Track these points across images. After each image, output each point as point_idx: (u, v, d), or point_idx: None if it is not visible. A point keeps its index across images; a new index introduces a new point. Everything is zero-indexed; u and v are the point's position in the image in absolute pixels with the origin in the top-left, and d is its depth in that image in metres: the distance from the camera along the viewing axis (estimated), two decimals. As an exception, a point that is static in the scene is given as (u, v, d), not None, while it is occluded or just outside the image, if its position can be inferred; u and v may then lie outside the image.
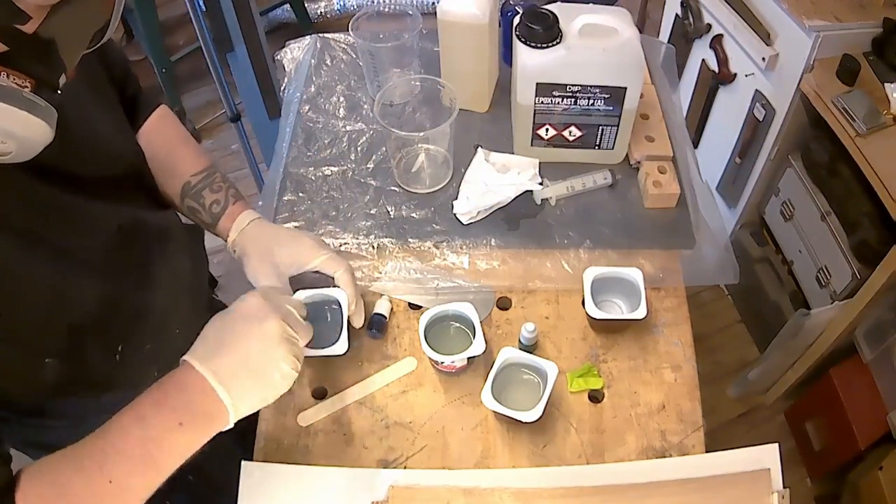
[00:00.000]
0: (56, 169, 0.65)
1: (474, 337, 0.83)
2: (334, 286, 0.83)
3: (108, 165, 0.74)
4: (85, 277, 0.69)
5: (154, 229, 0.82)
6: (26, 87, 0.52)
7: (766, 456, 0.79)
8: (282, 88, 1.23)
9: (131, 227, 0.76)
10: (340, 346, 0.80)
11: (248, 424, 0.78)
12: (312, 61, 1.24)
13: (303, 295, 0.82)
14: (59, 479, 0.57)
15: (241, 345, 0.64)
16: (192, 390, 0.61)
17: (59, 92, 0.55)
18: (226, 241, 0.86)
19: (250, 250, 0.83)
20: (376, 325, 0.89)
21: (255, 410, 0.66)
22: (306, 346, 0.71)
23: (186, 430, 0.60)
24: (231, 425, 0.64)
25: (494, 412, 0.80)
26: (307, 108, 1.16)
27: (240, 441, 0.82)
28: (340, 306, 0.82)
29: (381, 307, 0.91)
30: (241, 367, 0.63)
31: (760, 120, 1.65)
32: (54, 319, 0.66)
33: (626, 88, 0.94)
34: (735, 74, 1.73)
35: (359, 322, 0.84)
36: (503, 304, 0.94)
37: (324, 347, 0.80)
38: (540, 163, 1.04)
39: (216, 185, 0.88)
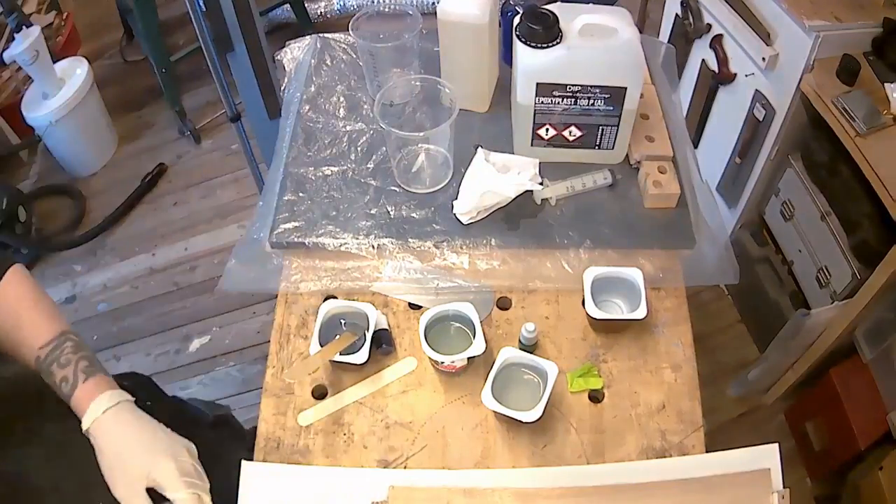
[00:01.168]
0: None
1: (474, 337, 0.83)
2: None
3: None
4: None
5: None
6: None
7: (766, 456, 0.79)
8: (282, 88, 1.23)
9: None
10: (361, 356, 0.85)
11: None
12: (312, 61, 1.24)
13: (332, 304, 0.89)
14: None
15: None
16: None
17: None
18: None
19: (102, 447, 0.72)
20: (384, 340, 0.90)
21: None
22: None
23: None
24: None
25: (494, 412, 0.80)
26: (307, 108, 1.16)
27: (234, 443, 0.81)
28: (368, 319, 0.87)
29: (381, 322, 0.91)
30: None
31: (760, 120, 1.65)
32: None
33: (626, 88, 0.94)
34: (735, 74, 1.73)
35: None
36: (503, 304, 0.94)
37: (346, 355, 0.85)
38: (540, 163, 1.04)
39: (63, 358, 0.76)
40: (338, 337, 0.86)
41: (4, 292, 0.80)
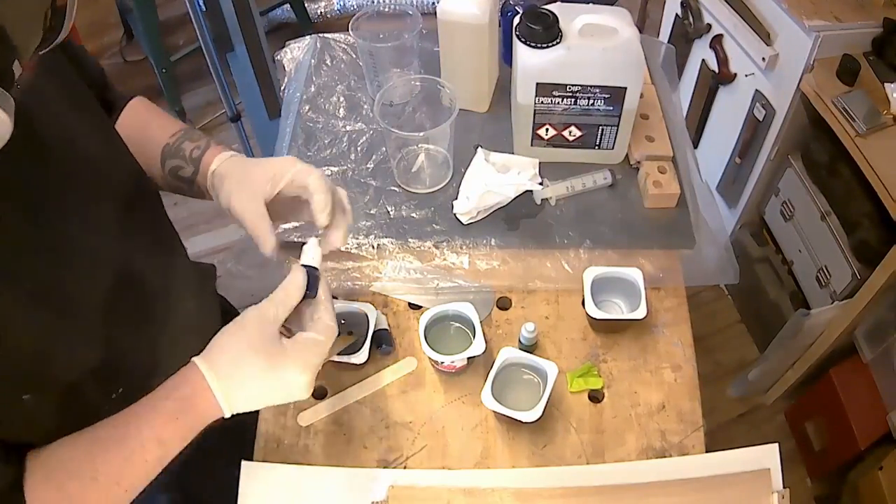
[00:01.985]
0: (41, 196, 0.60)
1: (474, 337, 0.83)
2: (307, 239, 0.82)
3: (99, 186, 0.69)
4: (81, 328, 0.64)
5: (155, 268, 0.77)
6: None
7: (766, 456, 0.79)
8: (282, 88, 1.23)
9: (130, 266, 0.71)
10: (361, 356, 0.85)
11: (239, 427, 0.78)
12: (312, 61, 1.24)
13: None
14: (69, 487, 0.58)
15: (259, 387, 0.63)
16: (203, 410, 0.62)
17: (17, 86, 0.50)
18: (206, 189, 0.80)
19: (227, 172, 0.76)
20: (384, 340, 0.89)
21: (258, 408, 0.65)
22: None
23: (183, 425, 0.61)
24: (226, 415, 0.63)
25: (494, 412, 0.80)
26: (307, 108, 1.16)
27: (234, 443, 0.81)
28: (368, 319, 0.87)
29: (380, 322, 0.91)
30: (255, 399, 0.63)
31: (760, 120, 1.65)
32: (46, 371, 0.61)
33: (626, 88, 0.94)
34: (735, 74, 1.73)
35: (338, 239, 0.78)
36: (503, 304, 0.94)
37: (346, 355, 0.85)
38: (540, 163, 1.04)
39: (195, 136, 0.83)
40: (337, 337, 0.86)
41: (132, 110, 0.85)
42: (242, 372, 0.61)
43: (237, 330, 0.63)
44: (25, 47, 0.50)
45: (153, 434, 0.60)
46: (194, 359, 0.63)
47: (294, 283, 0.66)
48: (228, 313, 1.04)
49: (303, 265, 0.68)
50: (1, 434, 0.59)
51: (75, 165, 0.66)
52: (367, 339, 0.86)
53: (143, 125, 0.84)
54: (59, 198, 0.63)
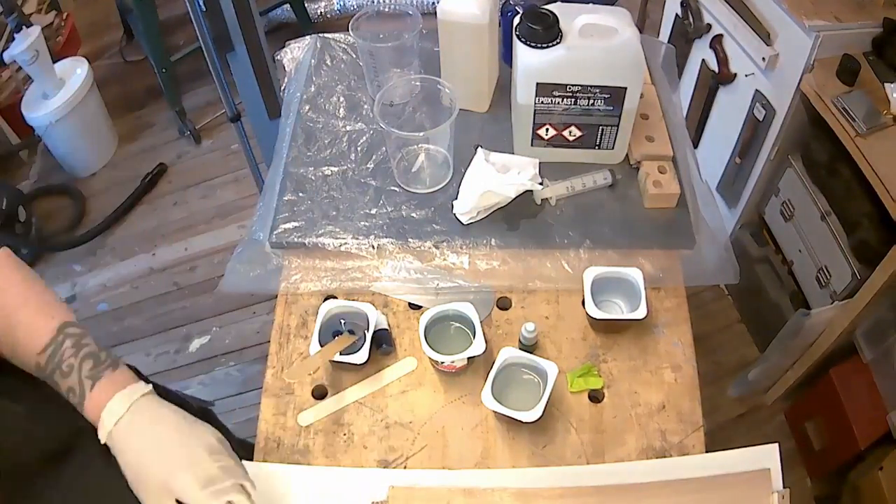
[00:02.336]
0: None
1: (474, 337, 0.83)
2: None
3: None
4: None
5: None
6: None
7: (766, 456, 0.79)
8: (282, 88, 1.23)
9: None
10: (361, 356, 0.85)
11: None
12: (312, 61, 1.24)
13: (332, 304, 0.89)
14: None
15: None
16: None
17: None
18: None
19: (122, 462, 0.67)
20: (384, 340, 0.89)
21: None
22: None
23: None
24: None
25: (494, 412, 0.80)
26: (307, 108, 1.16)
27: None
28: (368, 319, 0.87)
29: (381, 322, 0.91)
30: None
31: (760, 120, 1.65)
32: None
33: (626, 88, 0.94)
34: (735, 74, 1.73)
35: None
36: (503, 304, 0.94)
37: (346, 355, 0.85)
38: (540, 163, 1.04)
39: (66, 365, 0.69)
40: (337, 337, 0.86)
41: None
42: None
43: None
44: None
45: None
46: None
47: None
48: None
49: None
50: None
51: None
52: (366, 339, 0.86)
53: (7, 319, 0.71)
54: None
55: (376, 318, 0.88)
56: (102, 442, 0.68)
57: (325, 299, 0.94)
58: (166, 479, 0.65)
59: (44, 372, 0.70)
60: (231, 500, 0.65)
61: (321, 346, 0.85)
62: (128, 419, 0.67)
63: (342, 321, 0.89)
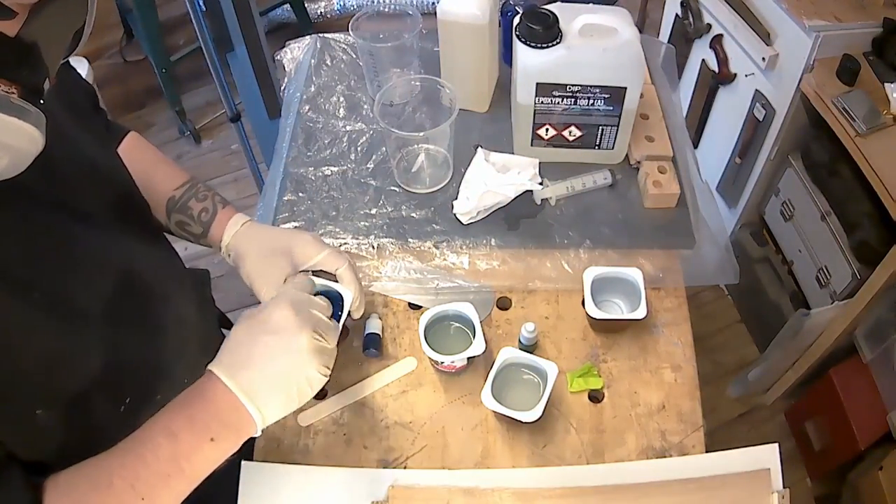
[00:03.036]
0: (45, 200, 0.60)
1: (474, 337, 0.83)
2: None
3: (99, 190, 0.69)
4: (87, 334, 0.63)
5: (155, 272, 0.77)
6: (13, 93, 0.48)
7: (766, 456, 0.79)
8: (282, 88, 1.23)
9: (131, 270, 0.71)
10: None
11: None
12: (312, 61, 1.24)
13: (308, 280, 0.84)
14: (88, 499, 0.57)
15: (272, 362, 0.62)
16: (221, 406, 0.60)
17: (42, 101, 0.51)
18: (219, 249, 0.83)
19: (245, 252, 0.80)
20: (372, 343, 0.89)
21: (282, 417, 0.64)
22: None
23: (217, 444, 0.60)
24: (259, 434, 0.63)
25: (494, 412, 0.80)
26: (307, 108, 1.16)
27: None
28: (343, 301, 0.81)
29: (374, 326, 0.90)
30: (271, 381, 0.61)
31: (760, 120, 1.65)
32: (55, 381, 0.60)
33: (626, 88, 0.94)
34: (735, 74, 1.73)
35: (359, 314, 0.81)
36: (503, 304, 0.94)
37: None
38: (540, 163, 1.04)
39: (201, 194, 0.84)
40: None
41: (133, 148, 0.86)
42: (246, 349, 0.62)
43: (244, 340, 0.64)
44: (54, 65, 0.53)
45: (163, 424, 0.60)
46: (228, 383, 0.61)
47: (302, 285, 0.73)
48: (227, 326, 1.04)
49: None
50: (18, 453, 0.58)
51: (77, 171, 0.66)
52: (340, 323, 0.77)
53: (146, 169, 0.85)
54: (62, 204, 0.63)
55: (350, 302, 0.79)
56: (225, 245, 0.82)
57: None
58: (298, 250, 0.78)
59: (177, 201, 0.84)
60: (340, 273, 0.78)
61: None
62: (250, 224, 0.83)
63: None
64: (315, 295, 0.85)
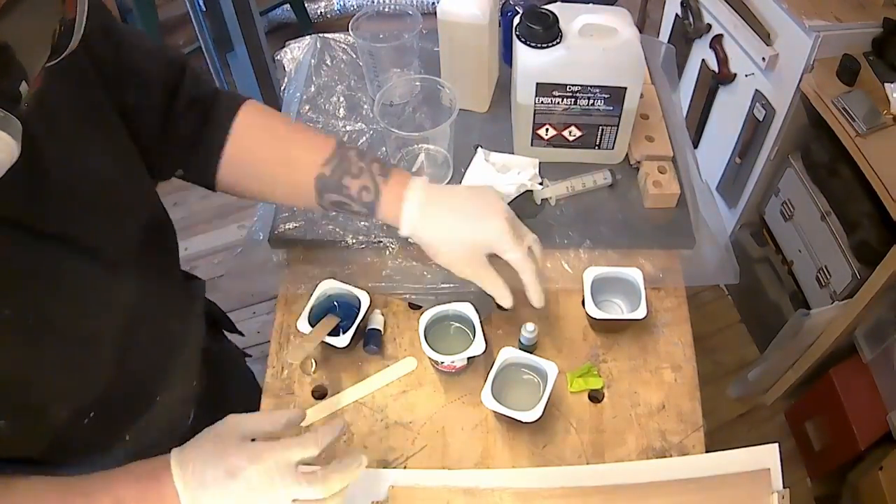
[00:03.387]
0: (35, 232, 0.56)
1: (474, 337, 0.83)
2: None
3: (109, 214, 0.64)
4: (63, 359, 0.60)
5: (157, 310, 0.73)
6: None
7: (766, 456, 0.79)
8: (282, 88, 1.23)
9: (132, 311, 0.67)
10: (342, 340, 0.84)
11: None
12: (312, 61, 1.24)
13: (328, 285, 0.89)
14: None
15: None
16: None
17: (24, 105, 0.46)
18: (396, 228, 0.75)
19: (428, 242, 0.73)
20: (373, 340, 0.89)
21: None
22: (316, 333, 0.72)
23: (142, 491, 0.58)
24: None
25: (494, 412, 0.80)
26: (307, 108, 1.16)
27: None
28: (360, 305, 0.87)
29: (376, 322, 0.91)
30: None
31: (760, 120, 1.65)
32: (20, 398, 0.58)
33: (626, 88, 0.94)
34: (735, 74, 1.73)
35: (537, 301, 0.77)
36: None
37: (329, 336, 0.85)
38: (540, 163, 1.04)
39: (355, 169, 0.72)
40: (323, 319, 0.86)
41: (258, 118, 0.75)
42: (203, 475, 0.57)
43: (211, 430, 0.61)
44: (33, 66, 0.48)
45: (113, 492, 0.57)
46: (172, 464, 0.59)
47: (282, 415, 0.64)
48: (219, 321, 1.02)
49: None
50: None
51: (81, 189, 0.60)
52: (353, 326, 0.85)
53: (279, 144, 0.75)
54: (58, 236, 0.58)
55: (366, 306, 0.87)
56: (405, 234, 0.73)
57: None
58: (479, 236, 0.71)
59: (328, 180, 0.72)
60: (532, 247, 0.73)
61: (311, 325, 0.85)
62: (423, 205, 0.72)
63: (335, 303, 0.89)
64: (329, 299, 0.87)
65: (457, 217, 0.73)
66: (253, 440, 0.61)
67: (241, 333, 1.07)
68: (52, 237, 0.57)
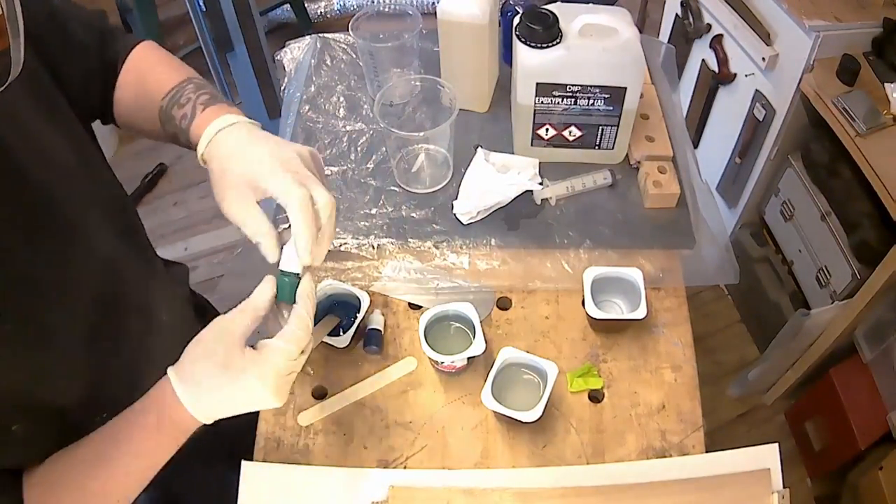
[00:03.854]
0: (12, 215, 0.57)
1: (474, 337, 0.83)
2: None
3: (77, 203, 0.65)
4: (65, 357, 0.63)
5: (135, 283, 0.75)
6: None
7: (766, 456, 0.79)
8: (282, 88, 1.23)
9: (112, 286, 0.69)
10: (342, 341, 0.84)
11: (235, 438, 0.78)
12: (312, 61, 1.24)
13: (326, 286, 0.89)
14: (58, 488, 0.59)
15: (231, 402, 0.62)
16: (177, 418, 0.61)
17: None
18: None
19: (213, 166, 0.69)
20: (373, 340, 0.89)
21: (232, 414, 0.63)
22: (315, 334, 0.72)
23: (161, 437, 0.62)
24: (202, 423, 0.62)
25: (494, 412, 0.80)
26: (307, 108, 1.16)
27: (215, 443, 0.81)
28: (360, 305, 0.87)
29: (376, 322, 0.91)
30: (226, 409, 0.62)
31: (760, 120, 1.65)
32: (32, 401, 0.61)
33: (626, 88, 0.94)
34: (735, 74, 1.73)
35: (313, 260, 0.69)
36: (503, 304, 0.94)
37: (329, 336, 0.85)
38: (540, 163, 1.04)
39: (184, 98, 0.73)
40: (323, 319, 0.86)
41: (135, 60, 0.79)
42: (206, 382, 0.60)
43: (201, 339, 0.62)
44: (17, 54, 0.47)
45: (131, 448, 0.61)
46: (168, 368, 0.62)
47: (260, 293, 0.64)
48: (208, 312, 1.03)
49: (281, 270, 0.66)
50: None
51: (49, 183, 0.62)
52: (353, 326, 0.86)
53: (141, 79, 0.77)
54: (40, 224, 0.60)
55: (366, 306, 0.87)
56: (199, 156, 0.69)
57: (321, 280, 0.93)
58: (254, 173, 0.65)
59: (164, 111, 0.73)
60: (314, 192, 0.65)
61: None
62: (228, 131, 0.68)
63: (335, 303, 0.89)
64: (329, 299, 0.88)
65: (249, 144, 0.68)
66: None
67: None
68: (30, 219, 0.59)
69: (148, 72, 0.78)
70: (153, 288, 0.80)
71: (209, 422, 0.62)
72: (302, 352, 0.63)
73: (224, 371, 0.59)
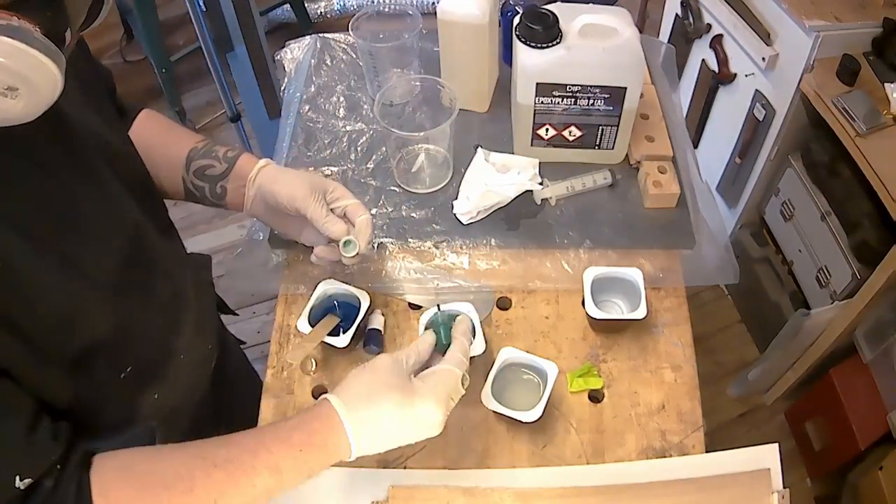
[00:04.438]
0: (60, 159, 0.62)
1: (474, 337, 0.83)
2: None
3: (112, 166, 0.70)
4: (96, 297, 0.64)
5: (160, 249, 0.78)
6: (36, 29, 0.48)
7: (766, 456, 0.79)
8: (282, 88, 1.23)
9: (139, 241, 0.72)
10: (342, 340, 0.84)
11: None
12: (312, 61, 1.24)
13: (326, 286, 0.89)
14: (159, 497, 0.58)
15: (398, 436, 0.65)
16: (330, 443, 0.63)
17: (66, 51, 0.51)
18: (242, 186, 0.85)
19: (276, 178, 0.83)
20: (374, 340, 0.89)
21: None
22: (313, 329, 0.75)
23: (312, 473, 0.63)
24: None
25: (494, 412, 0.80)
26: (307, 108, 1.16)
27: None
28: (360, 305, 0.88)
29: (376, 322, 0.91)
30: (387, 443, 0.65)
31: (760, 120, 1.65)
32: (62, 339, 0.62)
33: (626, 88, 0.94)
34: (735, 74, 1.73)
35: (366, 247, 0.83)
36: (503, 304, 0.94)
37: (329, 336, 0.85)
38: (540, 163, 1.04)
39: (224, 145, 0.87)
40: (323, 319, 0.86)
41: (149, 120, 0.89)
42: (377, 408, 0.63)
43: (370, 370, 0.66)
44: (75, 19, 0.53)
45: (270, 461, 0.60)
46: (326, 395, 0.64)
47: (425, 341, 0.73)
48: (223, 310, 1.04)
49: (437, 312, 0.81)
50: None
51: (95, 148, 0.67)
52: (353, 326, 0.85)
53: (164, 131, 0.89)
54: (77, 166, 0.64)
55: (366, 306, 0.87)
56: (252, 177, 0.83)
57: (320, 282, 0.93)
58: (292, 193, 0.80)
59: (198, 151, 0.85)
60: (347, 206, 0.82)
61: (311, 325, 0.85)
62: (274, 164, 0.86)
63: (335, 302, 0.89)
64: (329, 299, 0.88)
65: (299, 172, 0.85)
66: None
67: (235, 313, 1.10)
68: (74, 167, 0.64)
69: (171, 127, 0.90)
70: (178, 264, 0.83)
71: (359, 454, 0.64)
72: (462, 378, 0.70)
73: (401, 398, 0.64)
